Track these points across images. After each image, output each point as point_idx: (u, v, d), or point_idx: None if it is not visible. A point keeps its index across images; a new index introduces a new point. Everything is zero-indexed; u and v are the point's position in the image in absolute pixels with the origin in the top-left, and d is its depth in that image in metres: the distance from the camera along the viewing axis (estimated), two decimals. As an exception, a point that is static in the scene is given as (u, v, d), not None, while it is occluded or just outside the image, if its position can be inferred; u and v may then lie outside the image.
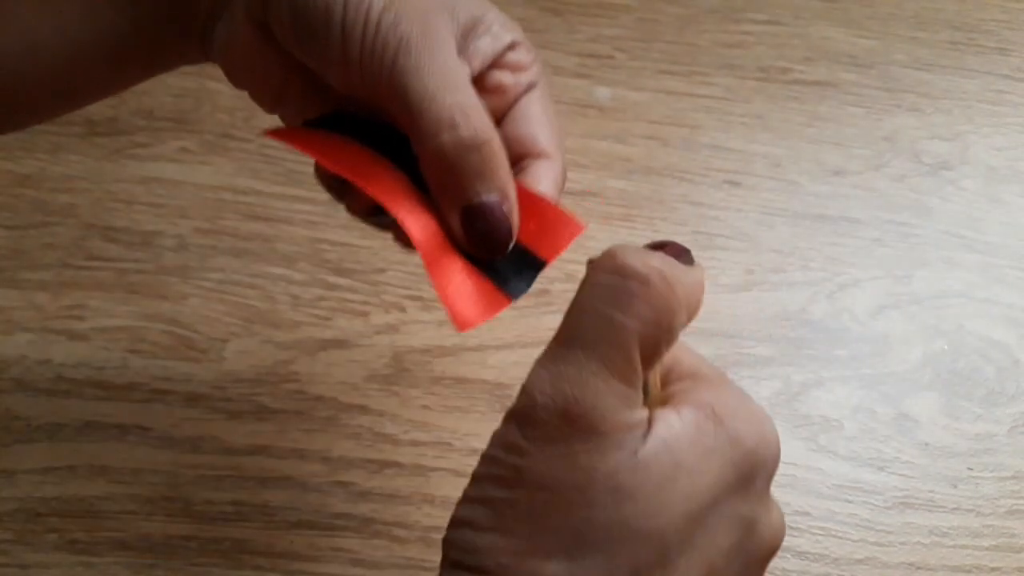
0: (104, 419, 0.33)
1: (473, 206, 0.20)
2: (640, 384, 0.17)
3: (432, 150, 0.20)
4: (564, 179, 0.23)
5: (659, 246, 0.18)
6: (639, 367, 0.17)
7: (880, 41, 0.44)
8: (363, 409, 0.33)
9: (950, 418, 0.35)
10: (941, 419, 0.34)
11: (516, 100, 0.23)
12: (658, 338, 0.17)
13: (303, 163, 0.39)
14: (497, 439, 0.17)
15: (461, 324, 0.20)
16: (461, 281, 0.20)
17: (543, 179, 0.22)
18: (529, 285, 0.21)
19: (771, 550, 0.19)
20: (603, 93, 0.42)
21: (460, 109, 0.20)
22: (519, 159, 0.22)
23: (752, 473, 0.18)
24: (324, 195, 0.38)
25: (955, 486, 0.33)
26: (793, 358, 0.35)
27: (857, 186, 0.40)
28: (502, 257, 0.21)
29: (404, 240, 0.22)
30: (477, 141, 0.20)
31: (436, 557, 0.31)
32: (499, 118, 0.23)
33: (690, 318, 0.18)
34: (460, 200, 0.20)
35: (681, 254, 0.18)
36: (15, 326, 0.34)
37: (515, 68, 0.23)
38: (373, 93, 0.20)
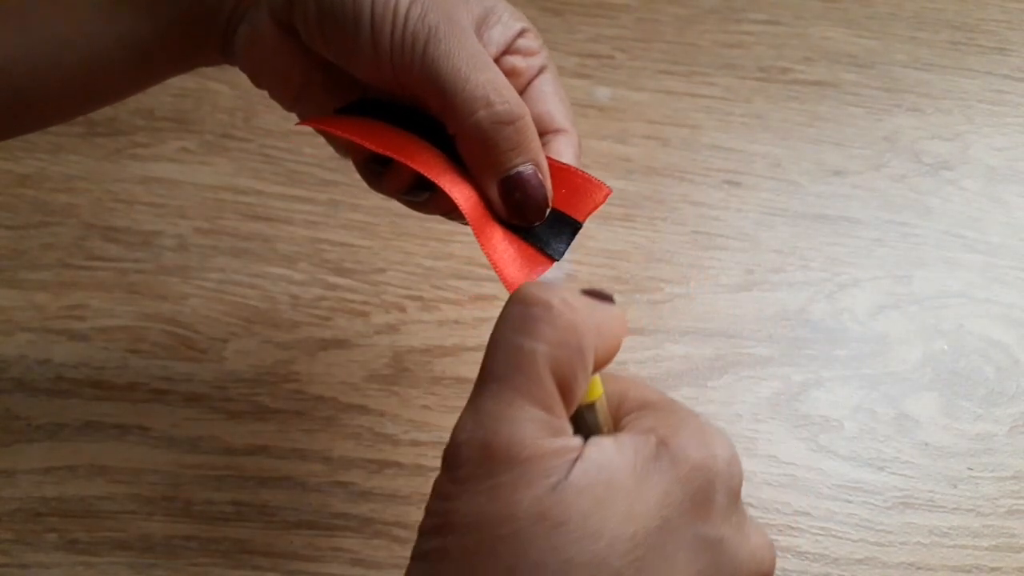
0: (104, 419, 0.33)
1: (511, 176, 0.21)
2: (561, 411, 0.17)
3: (470, 126, 0.21)
4: (581, 151, 0.24)
5: (583, 291, 0.19)
6: (554, 392, 0.17)
7: (880, 41, 0.44)
8: (363, 409, 0.33)
9: (950, 418, 0.35)
10: (941, 419, 0.34)
11: (529, 82, 0.24)
12: (570, 359, 0.17)
13: (303, 163, 0.39)
14: (433, 488, 0.17)
15: (510, 285, 0.21)
16: (505, 247, 0.22)
17: (564, 151, 0.23)
18: (567, 246, 0.22)
19: (753, 573, 0.17)
20: (603, 93, 0.42)
21: (493, 87, 0.21)
22: (539, 135, 0.24)
23: (707, 490, 0.17)
24: (324, 195, 0.39)
25: (955, 486, 0.33)
26: (793, 358, 0.35)
27: (857, 186, 0.40)
28: (540, 222, 0.22)
29: (443, 209, 0.24)
30: (512, 116, 0.21)
31: (436, 557, 0.31)
32: None
33: (608, 349, 0.18)
34: (498, 172, 0.21)
35: (597, 295, 0.18)
36: (15, 326, 0.34)
37: (526, 53, 0.24)
38: (404, 82, 0.22)
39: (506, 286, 0.21)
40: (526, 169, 0.21)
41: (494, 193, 0.22)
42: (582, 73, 0.42)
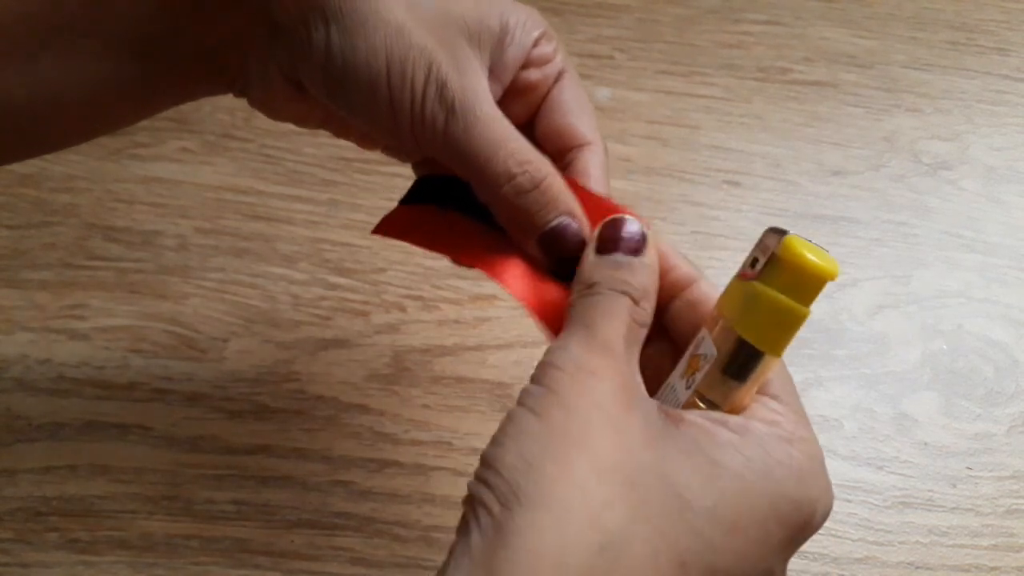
0: (105, 418, 0.33)
1: (546, 233, 0.22)
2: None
3: (498, 200, 0.22)
4: (607, 158, 0.24)
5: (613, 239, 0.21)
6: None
7: (879, 41, 0.44)
8: (363, 409, 0.33)
9: (949, 418, 0.35)
10: (940, 419, 0.35)
11: (548, 91, 0.24)
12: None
13: (304, 163, 0.39)
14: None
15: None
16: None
17: (592, 167, 0.24)
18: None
19: None
20: (603, 93, 0.42)
21: (514, 160, 0.21)
22: (564, 152, 0.24)
23: (802, 532, 0.19)
24: (324, 195, 0.39)
25: (954, 485, 0.33)
26: (792, 358, 0.35)
27: (856, 186, 0.40)
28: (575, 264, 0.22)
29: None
30: (534, 182, 0.21)
31: (436, 556, 0.31)
32: (534, 112, 0.24)
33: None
34: (534, 232, 0.22)
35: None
36: (16, 326, 0.34)
37: (541, 62, 0.24)
38: (424, 150, 0.22)
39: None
40: (560, 223, 0.22)
41: (535, 251, 0.22)
42: (582, 73, 0.42)
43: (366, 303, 0.36)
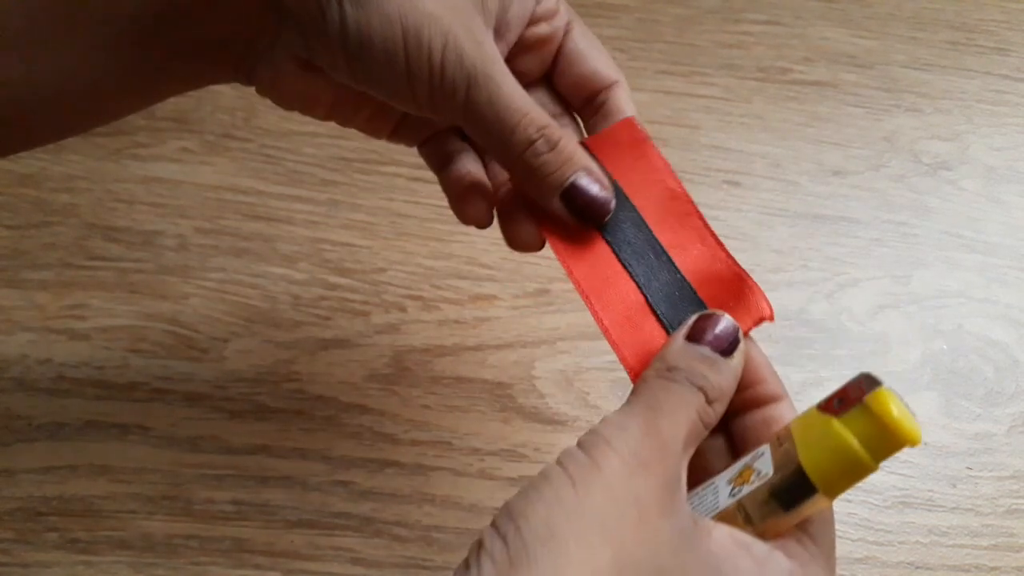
0: (105, 418, 0.33)
1: (567, 190, 0.22)
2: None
3: (519, 166, 0.22)
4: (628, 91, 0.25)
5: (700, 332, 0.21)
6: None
7: (879, 41, 0.44)
8: (363, 408, 0.33)
9: (949, 418, 0.35)
10: (940, 419, 0.35)
11: (560, 44, 0.24)
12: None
13: (304, 163, 0.39)
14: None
15: None
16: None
17: (624, 104, 0.24)
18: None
19: None
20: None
21: (534, 126, 0.22)
22: (593, 96, 0.25)
23: None
24: (324, 195, 0.39)
25: (954, 485, 0.33)
26: (792, 357, 0.36)
27: (856, 186, 0.40)
28: (606, 219, 0.23)
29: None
30: (550, 143, 0.22)
31: (436, 556, 0.31)
32: (551, 65, 0.25)
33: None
34: (554, 190, 0.22)
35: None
36: (16, 326, 0.34)
37: (547, 17, 0.24)
38: (444, 119, 0.22)
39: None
40: (578, 178, 0.22)
41: (560, 210, 0.23)
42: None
43: (366, 303, 0.36)
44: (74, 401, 0.33)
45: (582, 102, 0.25)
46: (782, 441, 0.20)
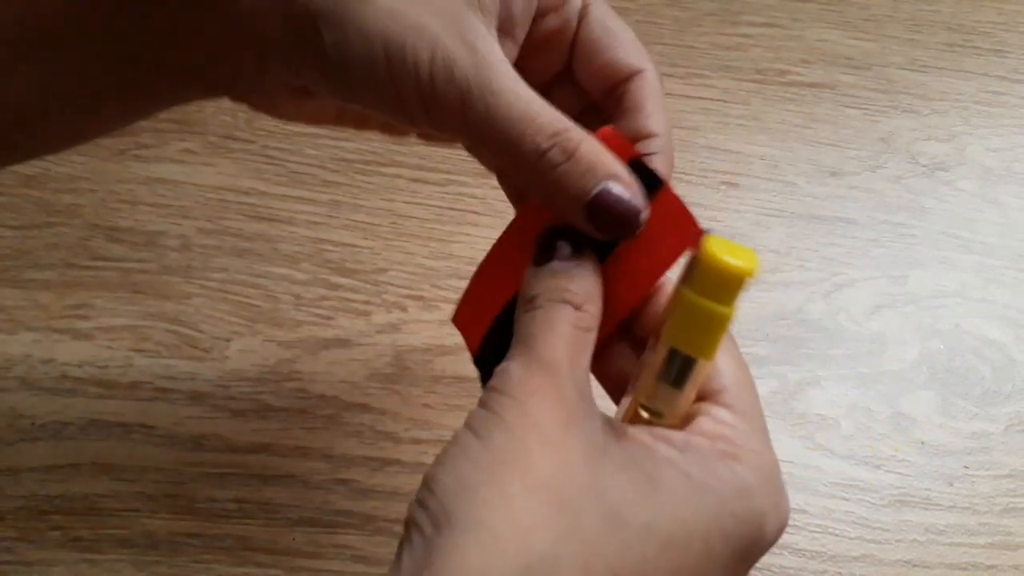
0: (108, 417, 0.33)
1: (591, 202, 0.20)
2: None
3: (532, 182, 0.20)
4: (660, 80, 0.23)
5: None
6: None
7: (876, 43, 0.45)
8: (365, 407, 0.34)
9: (946, 417, 0.35)
10: (937, 418, 0.35)
11: (576, 32, 0.22)
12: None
13: (305, 164, 0.40)
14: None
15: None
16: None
17: (645, 100, 0.22)
18: (656, 174, 0.20)
19: None
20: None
21: (543, 135, 0.19)
22: (613, 89, 0.22)
23: (752, 550, 0.19)
24: (326, 196, 0.39)
25: (951, 484, 0.33)
26: (790, 357, 0.36)
27: (854, 187, 0.40)
28: (637, 232, 0.20)
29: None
30: (568, 151, 0.19)
31: (437, 554, 0.31)
32: (567, 59, 0.23)
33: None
34: (578, 205, 0.20)
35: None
36: (19, 325, 0.35)
37: (557, 6, 0.22)
38: (447, 136, 0.20)
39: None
40: (602, 188, 0.19)
41: (584, 224, 0.20)
42: (581, 75, 0.42)
43: (367, 303, 0.36)
44: (77, 400, 0.33)
45: (601, 96, 0.23)
46: (657, 331, 0.20)
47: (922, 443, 0.34)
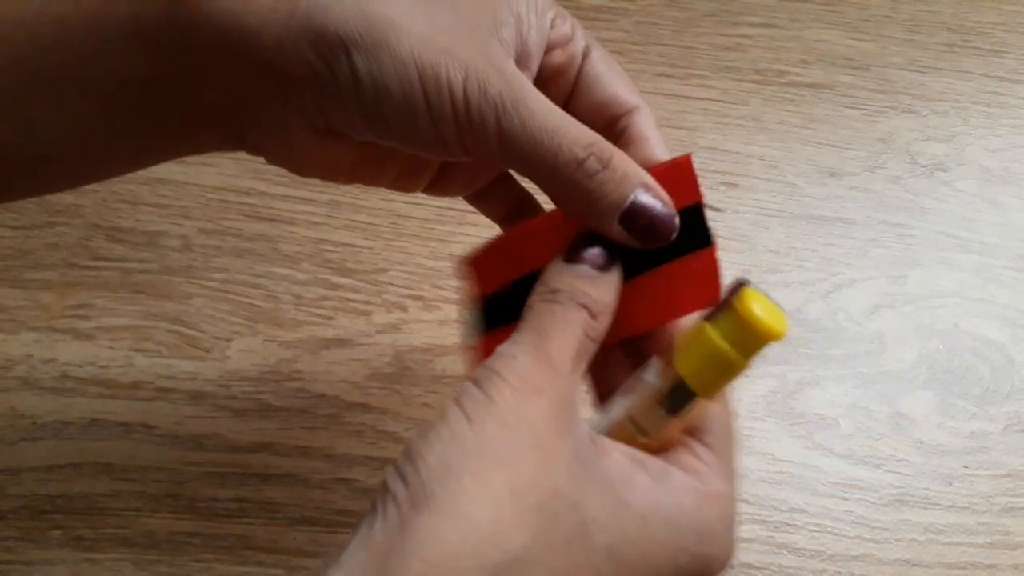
0: (109, 417, 0.33)
1: (626, 211, 0.20)
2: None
3: (570, 192, 0.20)
4: (653, 115, 0.24)
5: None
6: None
7: (876, 44, 0.45)
8: (365, 407, 0.34)
9: (945, 416, 0.35)
10: (936, 417, 0.35)
11: (579, 70, 0.23)
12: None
13: (305, 164, 0.40)
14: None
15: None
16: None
17: (647, 130, 0.23)
18: (709, 232, 0.21)
19: None
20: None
21: (579, 145, 0.20)
22: (613, 123, 0.23)
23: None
24: (326, 196, 0.39)
25: (950, 484, 0.33)
26: (789, 357, 0.36)
27: (853, 187, 0.40)
28: (671, 239, 0.21)
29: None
30: (603, 161, 0.20)
31: (437, 553, 0.31)
32: (568, 95, 0.24)
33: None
34: (614, 212, 0.20)
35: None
36: (21, 325, 0.35)
37: (562, 43, 0.23)
38: (477, 157, 0.21)
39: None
40: (638, 196, 0.20)
41: (620, 234, 0.21)
42: (581, 76, 0.42)
43: (368, 303, 0.36)
44: (78, 400, 0.33)
45: (602, 129, 0.23)
46: (667, 352, 0.21)
47: (921, 443, 0.34)
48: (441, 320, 0.36)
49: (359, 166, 0.23)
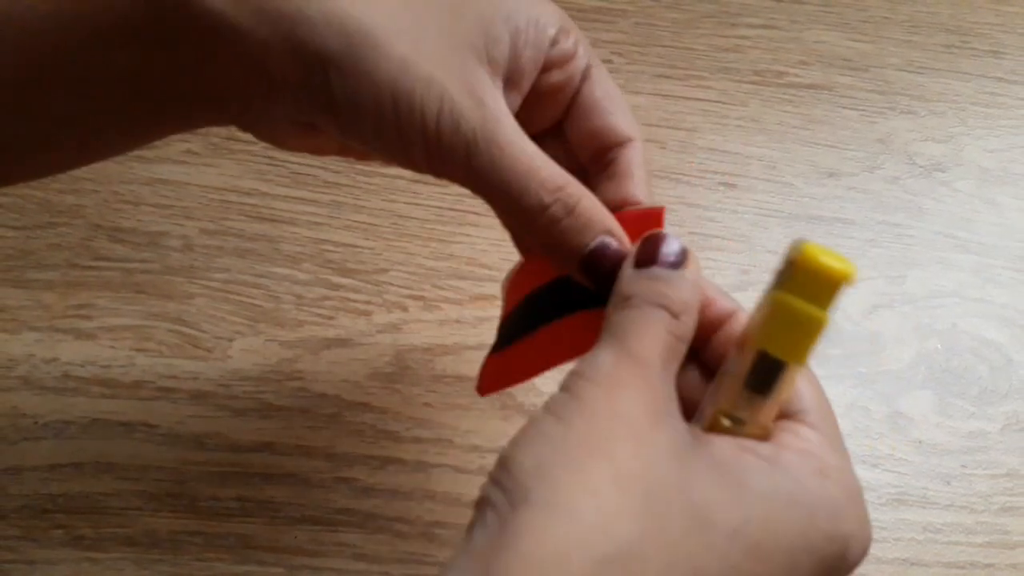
0: (110, 416, 0.33)
1: (585, 257, 0.21)
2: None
3: (534, 233, 0.21)
4: (644, 153, 0.23)
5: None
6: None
7: (874, 44, 0.45)
8: (366, 407, 0.34)
9: (943, 416, 0.35)
10: (934, 417, 0.35)
11: (576, 91, 0.23)
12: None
13: (307, 165, 0.40)
14: None
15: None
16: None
17: (634, 167, 0.23)
18: None
19: None
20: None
21: (546, 190, 0.20)
22: (603, 152, 0.23)
23: (838, 566, 0.18)
24: (327, 196, 0.39)
25: (948, 483, 0.34)
26: (789, 357, 0.36)
27: (851, 188, 0.41)
28: None
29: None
30: (569, 208, 0.20)
31: (437, 551, 0.31)
32: (563, 114, 0.23)
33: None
34: (574, 257, 0.21)
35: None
36: (22, 325, 0.35)
37: (563, 62, 0.22)
38: (450, 181, 0.21)
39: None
40: (599, 243, 0.20)
41: (579, 277, 0.21)
42: (581, 77, 0.42)
43: (368, 303, 0.36)
44: (80, 399, 0.33)
45: (590, 156, 0.23)
46: (742, 340, 0.20)
47: (920, 442, 0.34)
48: (441, 320, 0.36)
49: (346, 149, 0.24)
